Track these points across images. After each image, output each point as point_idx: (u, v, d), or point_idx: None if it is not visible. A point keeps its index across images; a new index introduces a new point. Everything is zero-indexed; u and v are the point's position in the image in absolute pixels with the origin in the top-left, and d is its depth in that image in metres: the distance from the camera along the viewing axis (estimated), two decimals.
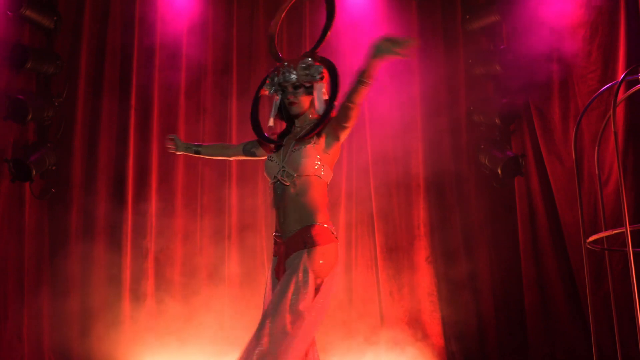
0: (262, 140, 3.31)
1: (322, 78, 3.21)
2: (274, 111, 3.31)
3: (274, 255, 3.23)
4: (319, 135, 3.16)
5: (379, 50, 2.93)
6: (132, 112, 6.10)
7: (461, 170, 6.37)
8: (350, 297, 6.06)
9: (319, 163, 3.16)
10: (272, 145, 3.33)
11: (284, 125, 3.38)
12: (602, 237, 4.27)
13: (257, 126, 3.31)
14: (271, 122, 3.30)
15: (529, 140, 6.20)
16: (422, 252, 6.23)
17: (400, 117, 6.25)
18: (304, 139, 3.15)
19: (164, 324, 5.84)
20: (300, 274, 2.99)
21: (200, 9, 6.35)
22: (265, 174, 3.30)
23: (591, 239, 4.07)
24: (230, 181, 6.18)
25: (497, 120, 6.23)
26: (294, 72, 3.22)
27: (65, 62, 6.13)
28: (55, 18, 6.08)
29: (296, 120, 3.29)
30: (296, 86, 3.22)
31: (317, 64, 3.22)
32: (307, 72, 3.21)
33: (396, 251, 6.17)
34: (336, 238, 3.14)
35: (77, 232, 5.96)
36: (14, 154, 5.86)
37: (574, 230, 5.68)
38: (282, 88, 3.26)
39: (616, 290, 4.37)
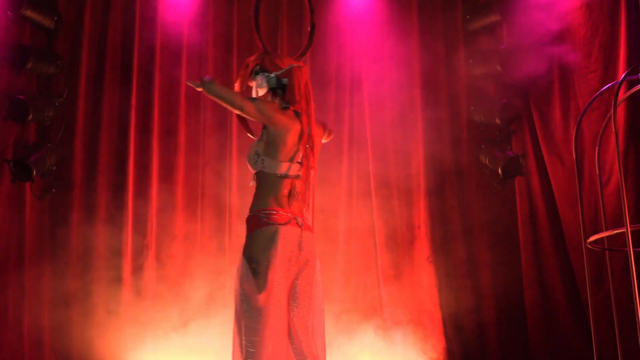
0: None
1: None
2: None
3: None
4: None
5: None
6: (133, 112, 6.12)
7: (462, 170, 6.39)
8: (351, 297, 6.07)
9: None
10: None
11: None
12: (603, 237, 4.28)
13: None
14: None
15: (530, 140, 6.22)
16: (422, 252, 6.24)
17: (400, 117, 6.28)
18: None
19: (164, 321, 5.85)
20: (239, 262, 3.16)
21: (201, 7, 6.36)
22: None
23: (592, 239, 4.07)
24: (231, 184, 6.20)
25: (497, 120, 6.25)
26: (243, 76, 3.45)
27: (65, 62, 6.14)
28: (55, 18, 6.08)
29: None
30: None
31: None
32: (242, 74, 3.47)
33: (397, 251, 6.18)
34: (269, 222, 3.18)
35: (77, 232, 5.96)
36: (14, 154, 5.86)
37: (575, 230, 5.69)
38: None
39: (617, 291, 4.37)
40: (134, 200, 6.05)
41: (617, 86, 3.90)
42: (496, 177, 6.30)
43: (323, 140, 3.58)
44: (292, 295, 3.16)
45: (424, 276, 6.16)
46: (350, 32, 6.31)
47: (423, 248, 6.22)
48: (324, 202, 5.89)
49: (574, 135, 4.33)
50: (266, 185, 3.25)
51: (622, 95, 4.31)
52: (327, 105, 6.22)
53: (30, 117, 5.82)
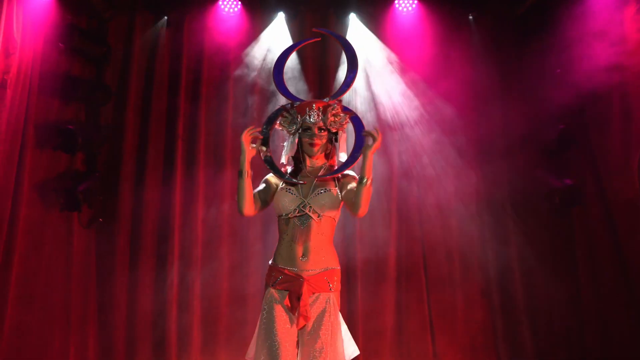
0: (277, 174, 3.46)
1: (345, 126, 3.51)
2: (291, 149, 3.49)
3: (278, 287, 3.35)
4: (337, 181, 3.43)
5: (366, 148, 3.23)
6: (180, 142, 6.13)
7: (517, 199, 6.16)
8: (400, 333, 5.92)
9: (340, 208, 3.42)
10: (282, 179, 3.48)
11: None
12: None
13: (271, 160, 3.47)
14: (285, 160, 3.50)
15: (588, 168, 5.97)
16: (476, 285, 6.03)
17: (452, 141, 6.11)
18: (327, 179, 3.39)
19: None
20: (335, 316, 3.33)
21: (248, 39, 6.36)
22: (278, 204, 3.40)
23: None
24: None
25: (553, 146, 6.01)
26: (322, 115, 3.45)
27: (113, 93, 6.21)
28: (105, 49, 6.18)
29: (308, 161, 3.49)
30: (321, 129, 3.45)
31: (344, 112, 3.50)
32: (336, 118, 3.47)
33: (449, 284, 6.01)
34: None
35: (123, 262, 5.99)
36: (62, 184, 5.90)
37: (638, 262, 5.41)
38: (304, 128, 3.46)
39: None
40: (180, 230, 6.03)
41: None
42: (553, 206, 6.03)
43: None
44: None
45: (478, 310, 5.98)
46: (401, 47, 6.21)
47: (477, 281, 6.02)
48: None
49: (637, 163, 4.06)
50: (332, 236, 3.46)
51: None
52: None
53: (79, 147, 5.88)
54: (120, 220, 6.07)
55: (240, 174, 3.33)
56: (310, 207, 3.36)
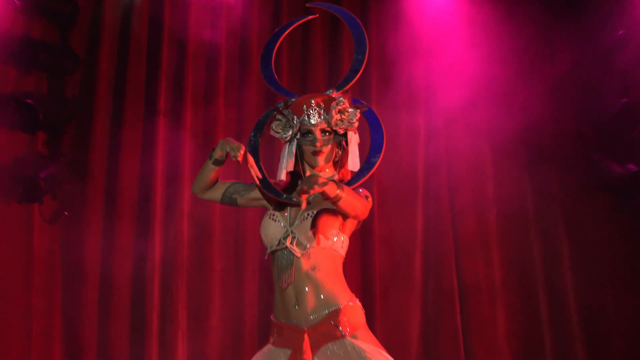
0: (269, 193, 2.93)
1: (356, 125, 2.99)
2: (288, 161, 2.99)
3: (279, 345, 2.91)
4: None
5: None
6: (160, 119, 5.53)
7: (568, 189, 5.63)
8: (426, 346, 5.44)
9: (340, 234, 2.90)
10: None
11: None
12: None
13: (263, 177, 2.95)
14: (284, 176, 3.00)
15: None
16: (517, 293, 5.55)
17: (491, 117, 5.61)
18: (325, 200, 2.80)
19: None
20: None
21: None
22: (261, 235, 2.94)
23: None
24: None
25: (614, 124, 5.49)
26: (325, 114, 2.93)
27: (81, 60, 5.58)
28: (70, 7, 5.52)
29: (308, 173, 3.00)
30: (326, 132, 2.94)
31: (353, 107, 2.96)
32: (343, 116, 2.94)
33: (487, 292, 5.54)
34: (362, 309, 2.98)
35: (94, 265, 5.39)
36: (21, 170, 5.36)
37: None
38: (303, 132, 2.95)
39: None
40: (161, 225, 5.43)
41: None
42: (614, 198, 5.51)
43: None
44: None
45: (522, 323, 5.55)
46: (430, 35, 5.75)
47: (518, 288, 5.56)
48: None
49: None
50: (339, 267, 2.94)
51: None
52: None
53: (40, 125, 5.35)
54: (90, 213, 5.46)
55: (211, 157, 2.95)
56: (293, 237, 2.85)
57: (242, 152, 2.83)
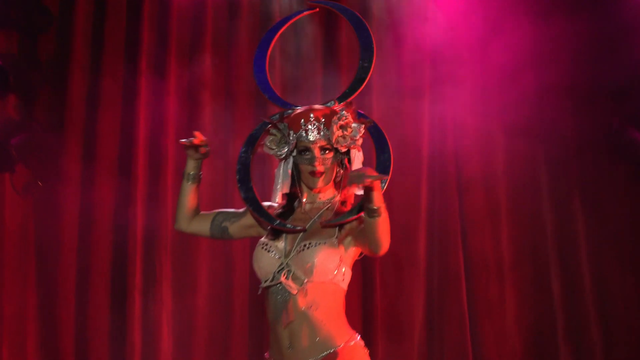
0: (263, 218, 2.74)
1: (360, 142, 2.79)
2: (281, 182, 2.81)
3: None
4: (341, 226, 2.69)
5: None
6: (142, 79, 5.25)
7: (584, 158, 5.31)
8: (431, 331, 5.19)
9: (341, 266, 2.67)
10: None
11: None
12: None
13: (253, 198, 2.77)
14: (278, 198, 2.83)
15: None
16: (528, 272, 5.25)
17: (503, 84, 5.29)
18: (324, 228, 2.67)
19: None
20: None
21: None
22: (254, 268, 2.72)
23: None
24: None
25: (635, 91, 5.16)
26: (325, 129, 2.71)
27: (55, 16, 5.35)
28: None
29: (306, 195, 2.79)
30: (325, 149, 2.72)
31: (357, 121, 2.75)
32: (345, 132, 2.73)
33: (495, 272, 5.26)
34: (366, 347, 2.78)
35: (71, 240, 5.15)
36: None
37: None
38: (300, 149, 2.74)
39: None
40: (144, 197, 5.17)
41: None
42: (634, 169, 5.24)
43: None
44: None
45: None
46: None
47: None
48: None
49: None
50: (340, 303, 2.71)
51: None
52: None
53: (10, 88, 5.18)
54: (67, 183, 5.22)
55: (184, 175, 2.87)
56: (288, 271, 2.63)
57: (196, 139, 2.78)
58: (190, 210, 2.87)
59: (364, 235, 2.58)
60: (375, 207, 2.42)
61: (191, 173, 2.83)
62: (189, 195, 2.85)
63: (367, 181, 2.33)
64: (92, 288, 5.05)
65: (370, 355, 2.76)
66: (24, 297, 5.11)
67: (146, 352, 5.01)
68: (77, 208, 5.19)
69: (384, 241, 2.52)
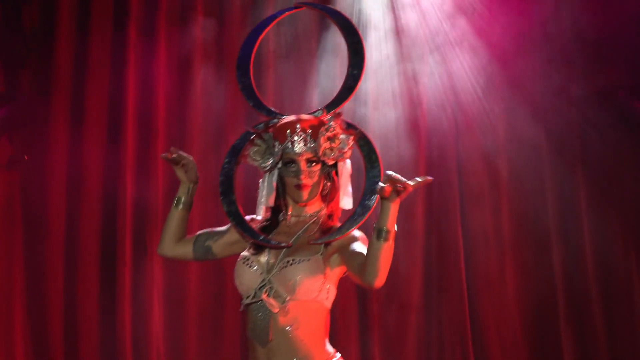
0: (246, 233, 2.65)
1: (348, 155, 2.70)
2: (266, 194, 2.71)
3: None
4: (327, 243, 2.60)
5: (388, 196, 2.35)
6: (131, 46, 5.13)
7: (588, 132, 5.18)
8: (428, 314, 5.11)
9: (325, 284, 2.58)
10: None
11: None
12: None
13: (236, 211, 2.69)
14: (263, 212, 2.74)
15: None
16: (528, 247, 5.14)
17: (509, 58, 5.17)
18: (310, 245, 2.59)
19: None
20: None
21: None
22: (236, 284, 2.67)
23: None
24: None
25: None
26: (312, 141, 2.63)
27: None
28: None
29: (291, 208, 2.71)
30: (312, 162, 2.64)
31: (345, 132, 2.68)
32: (332, 144, 2.66)
33: (495, 247, 5.16)
34: None
35: (58, 212, 5.01)
36: None
37: None
38: (286, 161, 2.65)
39: None
40: (134, 171, 5.06)
41: None
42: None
43: None
44: None
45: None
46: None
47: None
48: None
49: None
50: (322, 323, 2.63)
51: None
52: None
53: None
54: (55, 157, 5.08)
55: (174, 200, 2.78)
56: (270, 288, 2.54)
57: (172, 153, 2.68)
58: (176, 237, 2.80)
59: (359, 259, 2.49)
60: (387, 229, 2.32)
61: (182, 198, 2.74)
62: (177, 221, 2.77)
63: (408, 185, 2.27)
64: (80, 261, 4.95)
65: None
66: (10, 274, 5.00)
67: (136, 320, 4.95)
68: (63, 183, 5.08)
69: (383, 272, 2.40)
